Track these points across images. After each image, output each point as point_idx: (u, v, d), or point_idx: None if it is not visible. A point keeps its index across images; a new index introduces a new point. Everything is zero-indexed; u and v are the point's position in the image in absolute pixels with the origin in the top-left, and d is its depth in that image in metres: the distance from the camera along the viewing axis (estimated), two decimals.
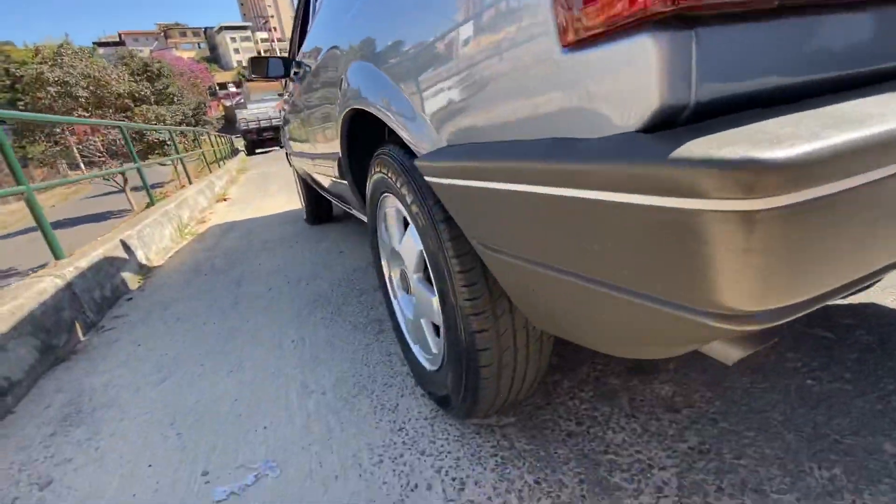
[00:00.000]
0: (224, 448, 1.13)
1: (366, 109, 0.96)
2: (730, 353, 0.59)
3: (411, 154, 0.87)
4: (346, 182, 1.46)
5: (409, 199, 0.87)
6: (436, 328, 1.05)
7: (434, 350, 1.02)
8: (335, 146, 1.41)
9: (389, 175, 0.96)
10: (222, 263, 2.99)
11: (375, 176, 1.08)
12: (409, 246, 0.98)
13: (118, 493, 1.03)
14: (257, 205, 5.55)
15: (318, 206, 3.61)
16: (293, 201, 5.35)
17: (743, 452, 0.90)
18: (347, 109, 1.10)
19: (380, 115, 0.88)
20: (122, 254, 2.80)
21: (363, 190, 1.46)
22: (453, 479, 0.93)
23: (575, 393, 1.14)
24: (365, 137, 1.33)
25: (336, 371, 1.41)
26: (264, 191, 6.90)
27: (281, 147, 22.41)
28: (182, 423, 1.26)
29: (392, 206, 1.07)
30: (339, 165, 1.36)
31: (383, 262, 1.32)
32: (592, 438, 0.99)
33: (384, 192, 1.09)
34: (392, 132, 1.35)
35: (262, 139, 21.31)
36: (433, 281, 0.88)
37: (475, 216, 0.65)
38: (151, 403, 1.39)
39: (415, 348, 1.18)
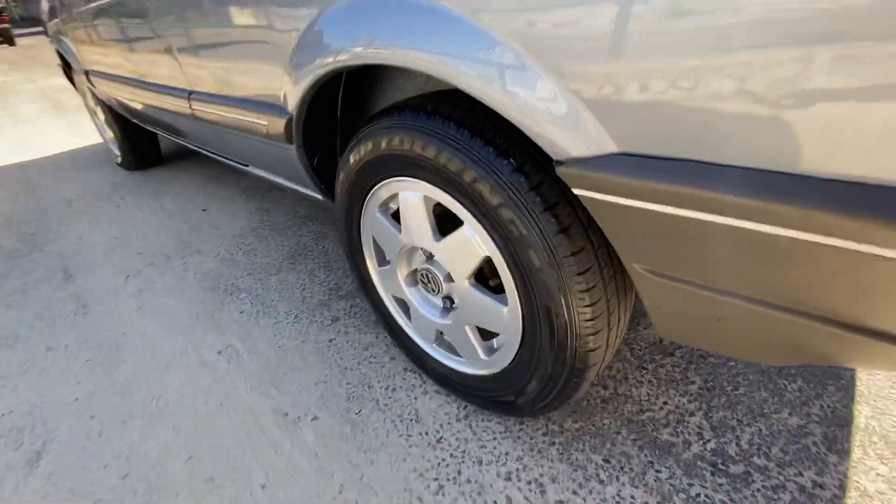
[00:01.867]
0: None
1: (410, 68, 0.67)
2: None
3: (507, 146, 0.66)
4: (280, 145, 1.07)
5: (493, 201, 0.67)
6: (482, 333, 0.92)
7: (483, 356, 0.91)
8: (273, 93, 0.99)
9: (438, 161, 0.72)
10: (13, 243, 2.07)
11: (388, 149, 0.81)
12: (462, 249, 0.79)
13: None
14: (12, 139, 3.89)
15: (139, 141, 2.72)
16: (81, 131, 3.91)
17: (737, 382, 1.09)
18: (345, 63, 0.75)
19: (469, 90, 0.62)
20: None
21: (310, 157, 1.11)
22: (529, 483, 0.90)
23: None
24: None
25: (311, 383, 1.16)
26: (13, 115, 4.84)
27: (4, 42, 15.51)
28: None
29: (413, 195, 0.83)
30: (289, 128, 0.97)
31: (367, 256, 1.07)
32: (625, 400, 1.06)
33: (392, 177, 0.84)
34: (350, 85, 1.02)
35: None
36: (523, 294, 0.74)
37: (663, 245, 0.53)
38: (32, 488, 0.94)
39: (437, 353, 1.03)
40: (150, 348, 1.33)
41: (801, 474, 0.89)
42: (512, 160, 0.65)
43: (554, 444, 0.97)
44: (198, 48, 1.20)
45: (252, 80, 1.03)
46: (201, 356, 1.29)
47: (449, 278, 0.89)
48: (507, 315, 0.79)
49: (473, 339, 0.90)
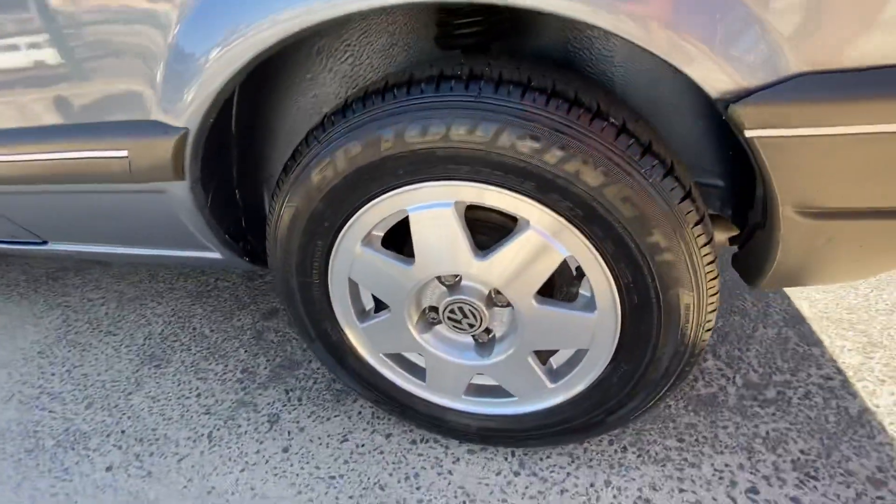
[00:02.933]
0: None
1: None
2: None
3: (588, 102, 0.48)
4: (154, 188, 0.66)
5: (593, 181, 0.50)
6: (540, 357, 0.73)
7: (549, 385, 0.72)
8: (137, 104, 0.59)
9: (496, 145, 0.51)
10: None
11: (399, 147, 0.55)
12: (527, 258, 0.59)
13: None
14: None
15: None
16: None
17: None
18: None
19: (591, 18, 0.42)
20: None
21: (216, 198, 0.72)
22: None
23: None
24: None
25: None
26: None
27: None
28: None
29: (436, 206, 0.59)
30: (180, 152, 0.58)
31: (340, 315, 0.75)
32: None
33: (394, 189, 0.59)
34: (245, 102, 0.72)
35: None
36: (631, 288, 0.58)
37: (848, 175, 0.45)
38: None
39: (471, 406, 0.79)
40: None
41: (810, 375, 0.97)
42: (613, 119, 0.49)
43: (626, 449, 0.85)
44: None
45: (91, 87, 0.59)
46: None
47: (490, 303, 0.68)
48: (596, 322, 0.63)
49: (537, 367, 0.71)
